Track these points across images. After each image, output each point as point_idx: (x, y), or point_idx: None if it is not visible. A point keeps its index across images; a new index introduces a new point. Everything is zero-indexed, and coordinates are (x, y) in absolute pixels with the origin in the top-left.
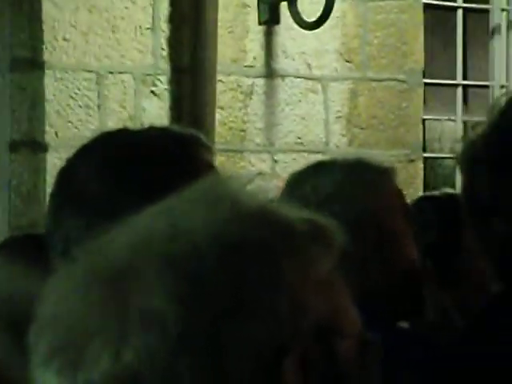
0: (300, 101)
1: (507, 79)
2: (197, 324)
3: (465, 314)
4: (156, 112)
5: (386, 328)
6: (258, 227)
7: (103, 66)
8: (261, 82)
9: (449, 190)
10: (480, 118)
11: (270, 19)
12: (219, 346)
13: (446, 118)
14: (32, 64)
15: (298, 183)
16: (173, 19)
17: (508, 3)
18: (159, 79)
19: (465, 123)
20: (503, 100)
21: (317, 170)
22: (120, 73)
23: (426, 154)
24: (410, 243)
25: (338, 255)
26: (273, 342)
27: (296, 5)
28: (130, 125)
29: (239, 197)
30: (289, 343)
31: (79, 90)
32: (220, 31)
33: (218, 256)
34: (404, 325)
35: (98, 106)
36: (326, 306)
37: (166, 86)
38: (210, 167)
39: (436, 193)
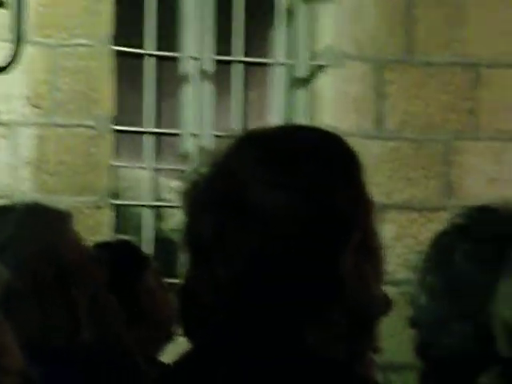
0: None
1: (198, 127)
2: None
3: (146, 355)
4: None
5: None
6: None
7: None
8: None
9: (124, 237)
10: (171, 165)
11: None
12: None
13: (137, 165)
14: None
15: None
16: None
17: (199, 51)
18: None
19: (156, 171)
20: (224, 143)
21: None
22: None
23: (115, 201)
24: (91, 281)
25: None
26: None
27: None
28: None
29: None
30: None
31: None
32: None
33: None
34: None
35: None
36: None
37: None
38: None
39: (111, 240)
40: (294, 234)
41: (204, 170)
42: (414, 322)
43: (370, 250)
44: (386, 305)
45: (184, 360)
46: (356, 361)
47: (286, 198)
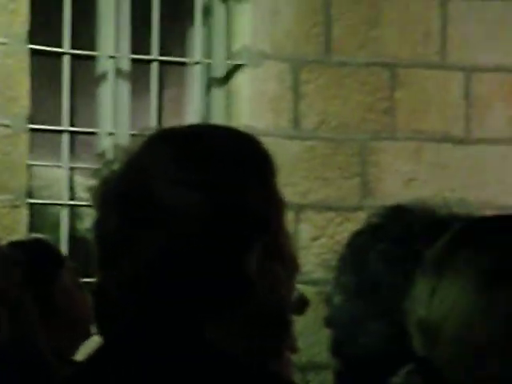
0: None
1: (114, 126)
2: None
3: (61, 354)
4: None
5: None
6: None
7: None
8: None
9: (37, 236)
10: (88, 164)
11: None
12: None
13: (53, 164)
14: None
15: None
16: None
17: (116, 50)
18: None
19: (72, 170)
20: (137, 141)
21: None
22: None
23: (30, 200)
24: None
25: None
26: None
27: None
28: None
29: None
30: None
31: None
32: None
33: None
34: None
35: None
36: None
37: None
38: None
39: (26, 238)
40: (199, 232)
41: (115, 167)
42: (329, 322)
43: (280, 250)
44: (300, 304)
45: (93, 358)
46: (269, 359)
47: (193, 196)
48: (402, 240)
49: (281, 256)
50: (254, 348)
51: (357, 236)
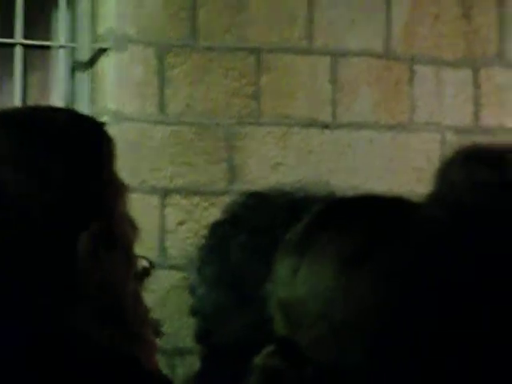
0: None
1: None
2: None
3: None
4: None
5: None
6: None
7: None
8: None
9: None
10: None
11: None
12: None
13: None
14: None
15: None
16: None
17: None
18: None
19: None
20: None
21: None
22: None
23: None
24: None
25: None
26: None
27: None
28: None
29: None
30: None
31: None
32: None
33: None
34: None
35: None
36: None
37: None
38: None
39: None
40: (32, 218)
41: None
42: (194, 311)
43: (117, 237)
44: (143, 272)
45: None
46: (131, 345)
47: (26, 180)
48: (260, 229)
49: (120, 242)
50: (113, 335)
51: (217, 226)
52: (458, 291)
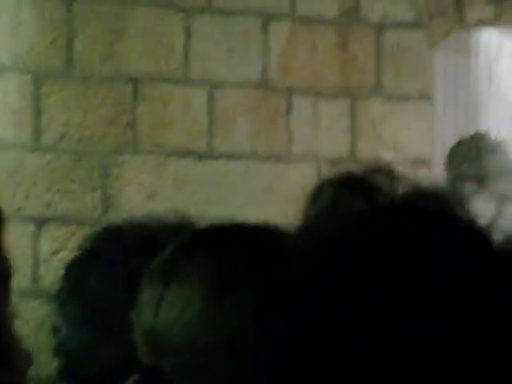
0: None
1: None
2: None
3: None
4: None
5: None
6: None
7: None
8: None
9: None
10: None
11: None
12: None
13: None
14: None
15: None
16: None
17: None
18: None
19: None
20: None
21: None
22: None
23: None
24: None
25: None
26: None
27: None
28: None
29: None
30: None
31: None
32: None
33: None
34: None
35: None
36: None
37: None
38: None
39: None
40: None
41: None
42: (58, 351)
43: None
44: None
45: None
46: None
47: None
48: (117, 261)
49: None
50: None
51: (73, 265)
52: (324, 318)
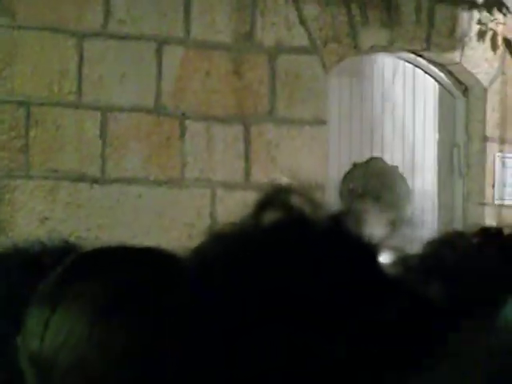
0: None
1: None
2: None
3: None
4: None
5: None
6: None
7: None
8: None
9: None
10: None
11: None
12: None
13: None
14: None
15: None
16: None
17: None
18: None
19: None
20: None
21: None
22: None
23: None
24: None
25: None
26: None
27: None
28: None
29: None
30: None
31: None
32: None
33: None
34: None
35: None
36: None
37: None
38: None
39: None
40: None
41: None
42: None
43: None
44: None
45: None
46: None
47: None
48: (0, 285)
49: None
50: None
51: None
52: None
